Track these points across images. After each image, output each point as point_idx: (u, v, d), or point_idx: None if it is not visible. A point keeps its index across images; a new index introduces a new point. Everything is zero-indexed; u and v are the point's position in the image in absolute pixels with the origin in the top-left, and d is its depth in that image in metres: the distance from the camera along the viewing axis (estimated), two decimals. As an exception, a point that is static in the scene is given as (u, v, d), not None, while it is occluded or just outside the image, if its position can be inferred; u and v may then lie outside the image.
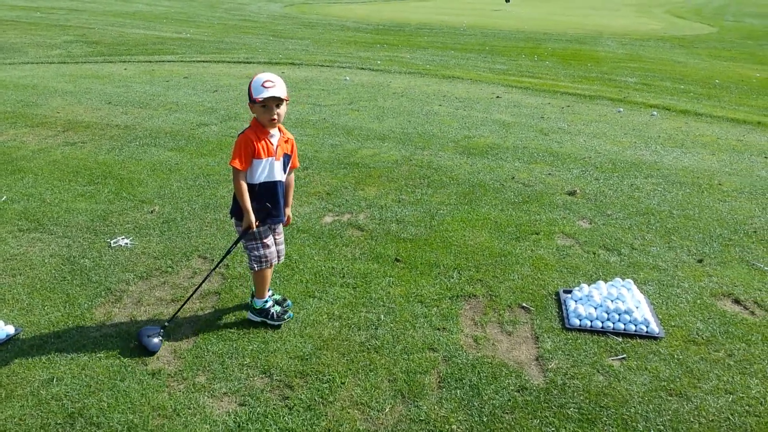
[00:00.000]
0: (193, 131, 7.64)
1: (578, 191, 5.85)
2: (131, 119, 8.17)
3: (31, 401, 2.95)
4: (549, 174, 6.40)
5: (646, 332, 3.57)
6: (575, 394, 3.08)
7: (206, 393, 3.03)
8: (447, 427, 2.86)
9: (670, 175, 6.45)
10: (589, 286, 3.98)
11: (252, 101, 3.18)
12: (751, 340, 3.57)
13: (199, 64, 13.11)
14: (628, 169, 6.64)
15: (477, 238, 4.81)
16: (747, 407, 3.02)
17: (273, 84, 3.13)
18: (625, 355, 3.40)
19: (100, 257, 4.36)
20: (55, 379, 3.09)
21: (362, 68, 13.04)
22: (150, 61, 13.20)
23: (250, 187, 3.30)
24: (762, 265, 4.47)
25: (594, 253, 4.61)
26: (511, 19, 28.38)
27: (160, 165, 6.34)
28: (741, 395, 3.10)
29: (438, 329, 3.60)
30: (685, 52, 18.98)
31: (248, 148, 3.21)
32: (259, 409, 2.93)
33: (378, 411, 2.94)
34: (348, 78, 11.62)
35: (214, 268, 3.74)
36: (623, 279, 4.06)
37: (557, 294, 4.01)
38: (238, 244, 3.51)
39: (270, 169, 3.31)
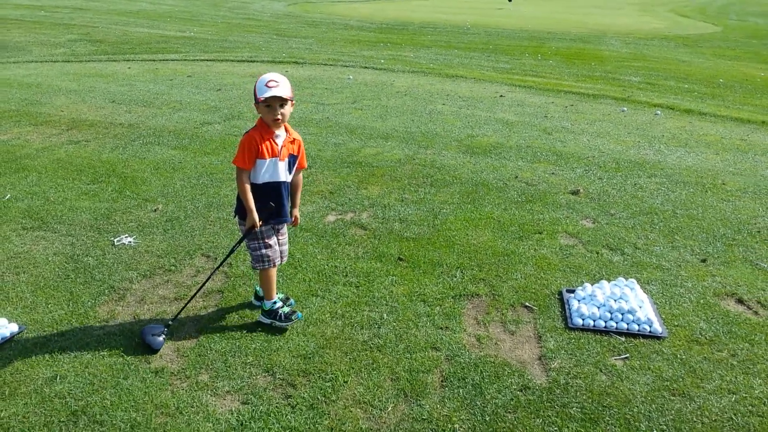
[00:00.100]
0: (197, 130, 7.65)
1: (581, 190, 5.84)
2: (135, 118, 8.18)
3: (35, 399, 2.96)
4: (552, 173, 6.39)
5: (649, 332, 3.57)
6: (578, 393, 3.08)
7: (209, 391, 3.04)
8: (449, 426, 2.86)
9: (674, 175, 6.43)
10: (592, 285, 3.98)
11: (256, 101, 3.17)
12: (755, 340, 3.56)
13: (203, 62, 13.13)
14: (631, 168, 6.63)
15: (480, 238, 4.81)
16: (750, 407, 3.01)
17: (277, 84, 3.12)
18: (628, 355, 3.39)
19: (103, 255, 4.38)
20: (58, 377, 3.10)
21: (365, 67, 13.04)
22: (154, 60, 13.22)
23: (254, 186, 3.29)
24: (765, 265, 4.46)
25: (597, 253, 4.60)
26: (514, 18, 28.33)
27: (164, 163, 6.36)
28: (744, 395, 3.09)
29: (441, 328, 3.60)
30: (689, 51, 18.93)
31: (252, 147, 3.21)
32: (261, 407, 2.94)
33: (381, 410, 2.95)
34: (351, 77, 11.62)
35: (218, 267, 3.74)
36: (626, 278, 4.06)
37: (560, 293, 4.00)
38: (242, 244, 3.52)
39: (274, 170, 3.30)
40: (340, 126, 8.01)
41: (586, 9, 35.81)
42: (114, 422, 2.82)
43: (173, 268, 4.23)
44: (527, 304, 3.89)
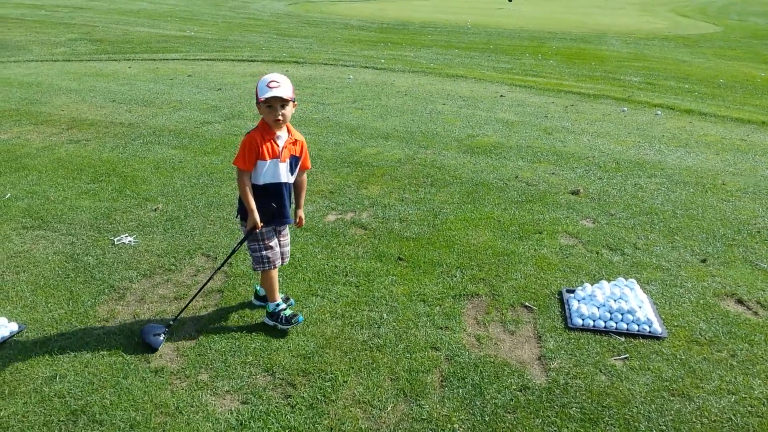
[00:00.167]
0: (197, 129, 7.65)
1: (582, 191, 5.84)
2: (135, 117, 8.18)
3: (34, 398, 2.96)
4: (552, 173, 6.39)
5: (649, 332, 3.57)
6: (577, 393, 3.08)
7: (209, 391, 3.04)
8: (449, 426, 2.86)
9: (674, 175, 6.43)
10: (592, 285, 3.98)
11: (258, 101, 3.16)
12: (754, 340, 3.56)
13: (203, 62, 13.13)
14: (631, 168, 6.63)
15: (480, 237, 4.81)
16: (749, 408, 3.01)
17: (278, 84, 3.11)
18: (627, 355, 3.39)
19: (103, 255, 4.38)
20: (58, 376, 3.10)
21: (366, 67, 13.04)
22: (154, 59, 13.22)
23: (255, 188, 3.29)
24: (765, 266, 4.46)
25: (597, 253, 4.60)
26: (514, 18, 28.33)
27: (164, 163, 6.36)
28: (744, 396, 3.09)
29: (440, 328, 3.60)
30: (690, 52, 18.92)
31: (252, 149, 3.19)
32: (261, 407, 2.94)
33: (380, 410, 2.95)
34: (352, 76, 11.62)
35: (219, 268, 3.74)
36: (626, 279, 4.06)
37: (560, 293, 4.00)
38: (243, 245, 3.51)
39: (275, 171, 3.28)
40: (341, 126, 8.01)
41: (586, 9, 35.81)
42: (113, 422, 2.82)
43: (173, 267, 4.24)
44: (527, 304, 3.89)
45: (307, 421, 2.86)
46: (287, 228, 3.60)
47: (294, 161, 3.37)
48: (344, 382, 3.12)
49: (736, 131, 8.53)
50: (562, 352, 3.41)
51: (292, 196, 3.54)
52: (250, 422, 2.84)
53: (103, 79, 10.77)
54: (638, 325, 3.59)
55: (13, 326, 3.46)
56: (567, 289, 4.04)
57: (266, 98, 3.10)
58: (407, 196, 5.62)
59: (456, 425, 2.86)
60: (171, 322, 3.49)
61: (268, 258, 3.44)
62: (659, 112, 9.50)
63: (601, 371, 3.25)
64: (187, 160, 6.47)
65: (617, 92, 11.18)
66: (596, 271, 4.34)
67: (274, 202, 3.32)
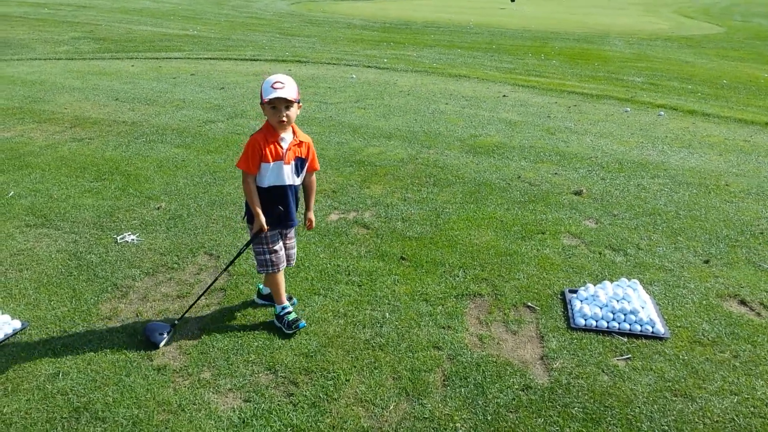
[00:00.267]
0: (200, 128, 7.66)
1: (584, 191, 5.83)
2: (138, 116, 8.19)
3: (37, 395, 2.96)
4: (555, 173, 6.39)
5: (652, 333, 3.56)
6: (580, 393, 3.08)
7: (211, 389, 3.05)
8: (451, 425, 2.86)
9: (677, 176, 6.42)
10: (594, 286, 3.97)
11: (262, 102, 3.12)
12: (757, 341, 3.55)
13: (206, 61, 13.14)
14: (634, 169, 6.62)
15: (483, 237, 4.80)
16: (752, 408, 3.01)
17: (282, 85, 3.07)
18: (630, 356, 3.39)
19: (106, 253, 4.38)
20: (61, 374, 3.11)
21: (369, 66, 13.04)
22: (157, 58, 13.24)
23: (260, 190, 3.26)
24: (769, 267, 4.46)
25: (600, 253, 4.60)
26: (517, 18, 28.31)
27: (167, 162, 6.37)
28: (746, 396, 3.09)
29: (443, 328, 3.60)
30: (693, 52, 18.89)
31: (255, 151, 3.16)
32: (263, 405, 2.94)
33: (382, 408, 2.95)
34: (354, 76, 11.63)
35: (224, 270, 3.72)
36: (629, 279, 4.05)
37: (563, 294, 4.00)
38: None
39: (279, 174, 3.25)
40: (343, 125, 8.01)
41: (588, 9, 35.77)
42: (116, 419, 2.83)
43: (176, 266, 4.24)
44: (529, 304, 3.89)
45: (309, 420, 2.86)
46: (293, 230, 3.59)
47: (300, 163, 3.33)
48: (346, 380, 3.13)
49: (740, 132, 8.52)
50: (565, 352, 3.41)
51: (300, 198, 3.52)
52: (252, 420, 2.85)
53: (106, 77, 10.79)
54: (641, 326, 3.59)
55: (17, 324, 3.47)
56: (570, 289, 4.04)
57: (270, 99, 3.06)
58: (410, 196, 5.62)
59: (458, 424, 2.86)
60: (176, 322, 3.49)
61: (272, 261, 3.42)
62: (662, 113, 9.49)
63: (603, 371, 3.25)
64: (190, 158, 6.48)
65: (620, 93, 11.17)
66: (599, 271, 4.33)
67: (279, 205, 3.30)
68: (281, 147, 3.22)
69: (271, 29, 20.43)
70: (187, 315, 3.61)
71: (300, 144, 3.31)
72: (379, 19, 26.26)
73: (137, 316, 3.65)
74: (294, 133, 3.29)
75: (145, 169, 6.11)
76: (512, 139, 7.60)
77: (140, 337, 3.41)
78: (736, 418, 2.94)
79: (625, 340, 3.52)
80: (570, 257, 4.52)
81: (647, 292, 3.97)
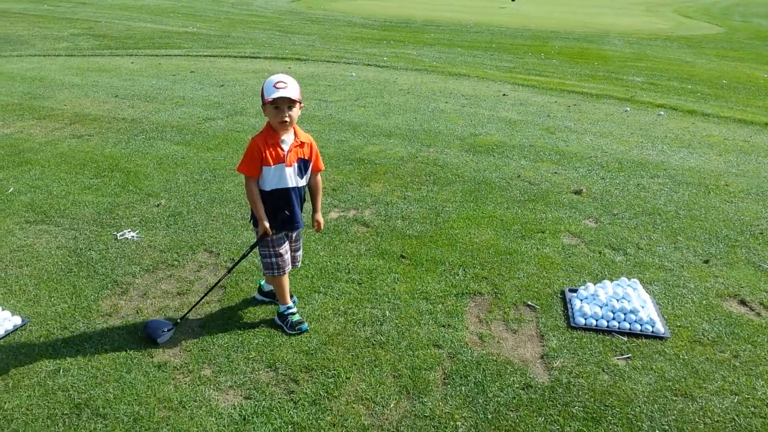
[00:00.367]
0: (200, 125, 7.65)
1: (584, 190, 5.84)
2: (138, 113, 8.18)
3: (38, 391, 2.96)
4: (555, 173, 6.39)
5: (652, 332, 3.57)
6: (580, 392, 3.08)
7: (212, 386, 3.05)
8: (451, 423, 2.86)
9: (677, 176, 6.43)
10: (594, 285, 3.98)
11: (264, 102, 3.08)
12: (757, 341, 3.56)
13: (206, 58, 13.12)
14: (634, 168, 6.62)
15: (482, 236, 4.81)
16: (752, 408, 3.01)
17: (285, 85, 3.04)
18: (630, 355, 3.39)
19: (106, 250, 4.38)
20: (61, 370, 3.11)
21: (368, 64, 13.03)
22: (157, 55, 13.22)
23: (263, 193, 3.23)
24: (768, 267, 4.46)
25: (600, 253, 4.60)
26: (517, 17, 28.30)
27: (167, 159, 6.36)
28: (746, 396, 3.09)
29: (443, 326, 3.60)
30: (693, 52, 18.90)
31: (255, 155, 3.14)
32: (264, 402, 2.94)
33: (383, 406, 2.95)
34: (354, 74, 11.62)
35: (228, 272, 3.68)
36: (629, 278, 4.06)
37: (563, 293, 4.00)
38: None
39: (281, 176, 3.22)
40: (343, 123, 8.00)
41: (588, 8, 35.76)
42: (117, 415, 2.83)
43: (176, 263, 4.24)
44: (529, 302, 3.89)
45: (310, 417, 2.86)
46: (299, 232, 3.57)
47: (303, 164, 3.29)
48: (347, 378, 3.13)
49: (739, 132, 8.52)
50: (565, 351, 3.41)
51: (306, 200, 3.49)
52: (252, 417, 2.85)
53: (106, 74, 10.77)
54: (641, 325, 3.59)
55: (17, 320, 3.46)
56: (569, 288, 4.04)
57: (273, 99, 3.02)
58: (410, 194, 5.62)
59: (458, 423, 2.86)
60: (178, 321, 3.48)
61: (278, 264, 3.41)
62: (662, 113, 9.49)
63: (603, 370, 3.25)
64: (189, 156, 6.48)
65: (620, 92, 11.18)
66: (599, 270, 4.34)
67: (283, 208, 3.27)
68: (282, 149, 3.18)
69: (270, 27, 20.41)
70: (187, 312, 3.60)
71: (302, 145, 3.27)
72: (379, 17, 26.24)
73: (137, 313, 3.64)
74: (295, 134, 3.25)
75: (144, 166, 6.11)
76: (512, 138, 7.60)
77: (141, 334, 3.41)
78: (736, 418, 2.94)
79: (625, 339, 3.53)
80: (570, 256, 4.53)
81: (647, 292, 3.97)
